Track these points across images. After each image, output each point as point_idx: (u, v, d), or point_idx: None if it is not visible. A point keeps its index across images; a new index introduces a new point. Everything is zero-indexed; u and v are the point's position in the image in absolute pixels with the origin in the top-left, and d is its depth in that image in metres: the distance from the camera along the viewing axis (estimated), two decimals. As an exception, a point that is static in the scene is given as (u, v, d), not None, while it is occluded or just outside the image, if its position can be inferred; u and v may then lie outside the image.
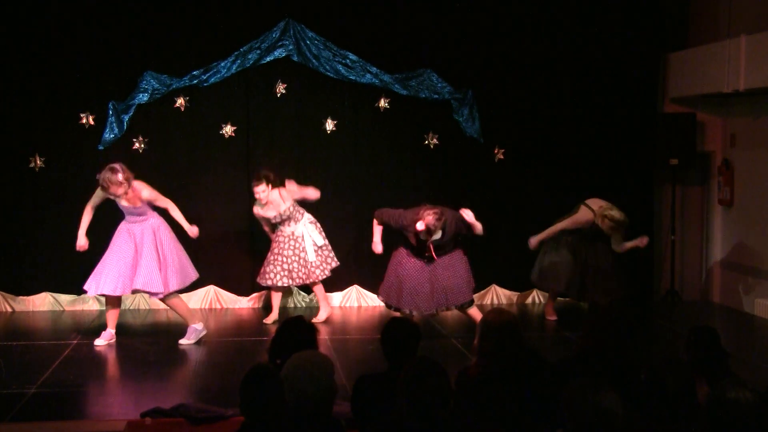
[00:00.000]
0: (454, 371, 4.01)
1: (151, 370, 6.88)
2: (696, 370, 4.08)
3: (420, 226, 7.16)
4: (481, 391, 3.83)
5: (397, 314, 7.39)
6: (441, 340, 7.68)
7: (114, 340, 7.52)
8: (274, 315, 8.44)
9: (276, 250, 8.32)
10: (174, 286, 7.49)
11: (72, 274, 8.62)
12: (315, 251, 8.32)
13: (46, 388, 6.20)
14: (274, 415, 3.45)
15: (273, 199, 8.24)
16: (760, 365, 6.93)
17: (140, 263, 7.35)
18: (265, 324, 8.34)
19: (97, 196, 7.51)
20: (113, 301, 7.53)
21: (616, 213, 8.10)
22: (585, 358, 4.26)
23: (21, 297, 8.95)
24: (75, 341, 7.60)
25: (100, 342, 7.46)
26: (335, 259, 8.50)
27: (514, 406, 3.60)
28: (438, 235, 7.35)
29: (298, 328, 4.42)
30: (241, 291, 9.21)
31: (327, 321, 8.49)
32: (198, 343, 7.53)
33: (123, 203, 7.43)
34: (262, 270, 8.42)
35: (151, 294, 7.48)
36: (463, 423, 3.49)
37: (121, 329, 7.76)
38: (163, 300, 7.56)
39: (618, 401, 3.11)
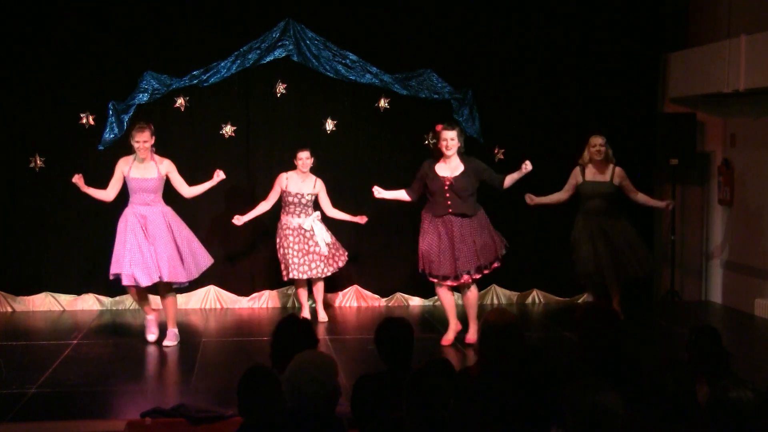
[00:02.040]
0: (455, 371, 4.01)
1: (150, 370, 6.88)
2: (696, 370, 4.08)
3: (438, 127, 7.40)
4: (482, 391, 3.83)
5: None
6: (441, 339, 7.68)
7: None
8: (307, 312, 8.42)
9: (286, 243, 8.20)
10: (194, 273, 7.49)
11: (72, 274, 8.63)
12: (326, 245, 8.28)
13: (46, 388, 6.21)
14: (272, 416, 3.44)
15: (308, 176, 8.26)
16: (760, 365, 6.92)
17: (158, 252, 7.26)
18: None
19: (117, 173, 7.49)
20: (139, 292, 7.46)
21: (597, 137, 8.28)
22: (586, 359, 4.27)
23: (21, 297, 8.95)
24: (75, 341, 7.60)
25: (152, 336, 7.49)
26: (343, 256, 8.42)
27: (515, 407, 3.60)
28: (457, 169, 7.33)
29: (293, 327, 4.37)
30: (241, 291, 9.21)
31: (327, 321, 8.50)
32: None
33: (135, 173, 7.34)
34: (283, 265, 8.28)
35: (176, 284, 7.44)
36: (463, 423, 3.49)
37: (121, 329, 7.76)
38: (164, 295, 7.51)
39: (618, 401, 3.10)
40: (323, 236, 8.26)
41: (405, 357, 4.21)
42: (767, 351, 7.81)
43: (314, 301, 8.59)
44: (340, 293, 9.34)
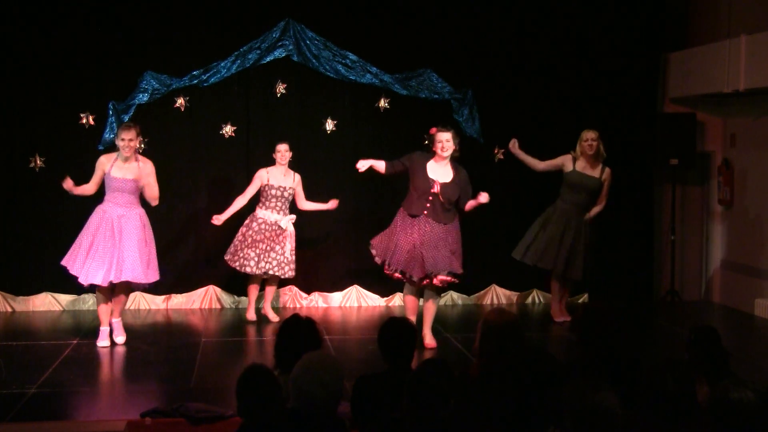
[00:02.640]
0: (455, 371, 4.01)
1: (151, 370, 6.88)
2: (696, 370, 4.08)
3: (432, 129, 7.35)
4: (482, 391, 3.83)
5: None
6: (441, 340, 7.68)
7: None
8: (252, 312, 8.44)
9: (258, 237, 8.15)
10: (153, 278, 7.45)
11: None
12: (291, 250, 8.27)
13: (46, 388, 6.20)
14: (271, 415, 3.44)
15: (287, 170, 8.25)
16: (760, 365, 6.93)
17: (125, 254, 7.24)
18: (250, 321, 8.36)
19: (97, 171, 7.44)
20: (106, 294, 7.46)
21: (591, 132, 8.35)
22: (586, 359, 4.27)
23: (21, 297, 8.95)
24: (75, 341, 7.60)
25: (104, 343, 7.43)
26: (291, 271, 8.35)
27: (514, 407, 3.60)
28: (447, 175, 7.27)
29: (297, 327, 4.35)
30: (241, 291, 9.19)
31: (324, 320, 8.49)
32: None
33: (116, 172, 7.31)
34: (232, 250, 8.26)
35: (136, 283, 7.41)
36: (463, 423, 3.49)
37: (121, 329, 7.75)
38: (115, 290, 7.45)
39: (618, 401, 3.10)
40: (292, 241, 8.26)
41: (407, 357, 4.21)
42: (767, 351, 7.81)
43: (264, 300, 8.55)
44: (340, 293, 9.34)
